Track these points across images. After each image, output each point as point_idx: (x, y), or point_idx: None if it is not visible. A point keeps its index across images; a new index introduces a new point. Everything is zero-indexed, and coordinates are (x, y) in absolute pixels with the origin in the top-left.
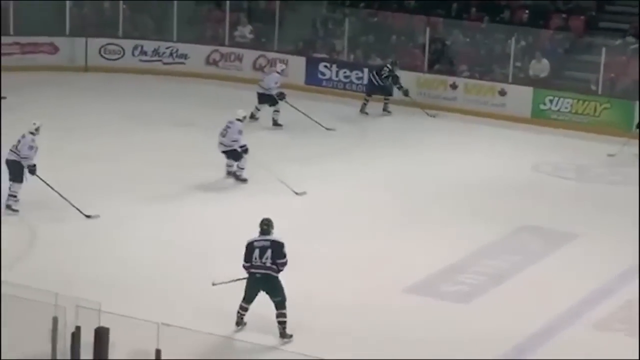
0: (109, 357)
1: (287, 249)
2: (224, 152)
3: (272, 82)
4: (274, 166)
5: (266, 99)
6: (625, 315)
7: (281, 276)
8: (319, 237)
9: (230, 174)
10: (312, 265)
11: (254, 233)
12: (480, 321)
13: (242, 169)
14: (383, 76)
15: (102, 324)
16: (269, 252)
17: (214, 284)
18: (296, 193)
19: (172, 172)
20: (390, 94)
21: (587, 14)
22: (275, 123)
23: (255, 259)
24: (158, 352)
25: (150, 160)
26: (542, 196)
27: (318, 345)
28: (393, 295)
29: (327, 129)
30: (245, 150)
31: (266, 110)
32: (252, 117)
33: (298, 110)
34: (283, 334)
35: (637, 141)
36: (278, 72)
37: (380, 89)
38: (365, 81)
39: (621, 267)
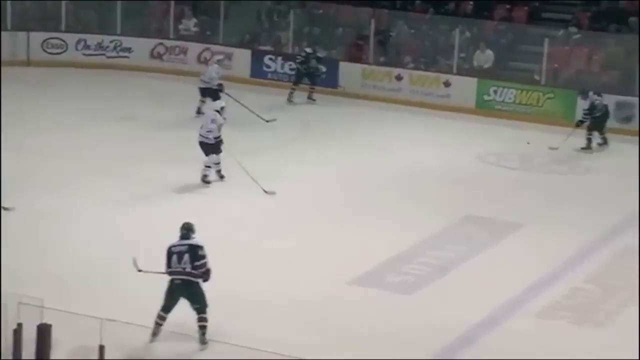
0: (52, 354)
1: (207, 250)
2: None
3: (213, 73)
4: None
5: (208, 92)
6: (569, 303)
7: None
8: (263, 231)
9: (205, 177)
10: (255, 258)
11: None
12: (426, 312)
13: (209, 167)
14: (297, 61)
15: (45, 321)
16: (186, 257)
17: (139, 270)
18: (265, 192)
19: (117, 166)
20: (315, 83)
21: (530, 4)
22: None
23: (174, 264)
24: (102, 348)
25: (95, 155)
26: (486, 186)
27: (263, 337)
28: (338, 287)
29: (267, 121)
30: (219, 142)
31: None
32: (199, 112)
33: (239, 102)
34: (202, 340)
35: (581, 131)
36: (216, 64)
37: (305, 76)
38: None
39: (565, 255)
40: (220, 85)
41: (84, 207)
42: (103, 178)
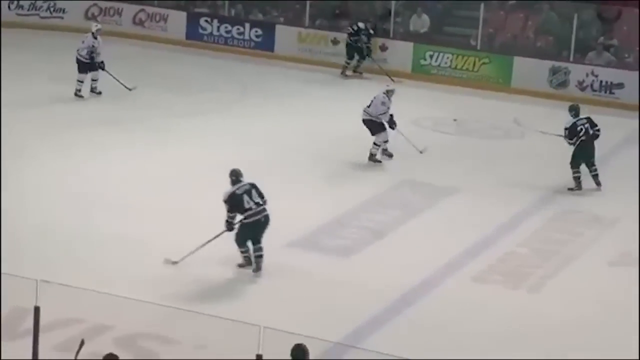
0: None
1: None
2: (364, 120)
3: (84, 44)
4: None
5: (84, 66)
6: (503, 267)
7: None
8: (197, 195)
9: (376, 154)
10: (192, 222)
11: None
12: (362, 275)
13: (378, 145)
14: (348, 34)
15: None
16: (254, 192)
17: (174, 262)
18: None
19: (52, 128)
20: (363, 58)
21: None
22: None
23: (249, 203)
24: (37, 309)
25: (30, 117)
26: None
27: (199, 300)
28: (274, 251)
29: (129, 89)
30: (392, 122)
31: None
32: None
33: (113, 76)
34: (259, 267)
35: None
36: (93, 33)
37: (355, 50)
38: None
39: (500, 220)
40: (102, 62)
41: (23, 169)
42: (37, 140)
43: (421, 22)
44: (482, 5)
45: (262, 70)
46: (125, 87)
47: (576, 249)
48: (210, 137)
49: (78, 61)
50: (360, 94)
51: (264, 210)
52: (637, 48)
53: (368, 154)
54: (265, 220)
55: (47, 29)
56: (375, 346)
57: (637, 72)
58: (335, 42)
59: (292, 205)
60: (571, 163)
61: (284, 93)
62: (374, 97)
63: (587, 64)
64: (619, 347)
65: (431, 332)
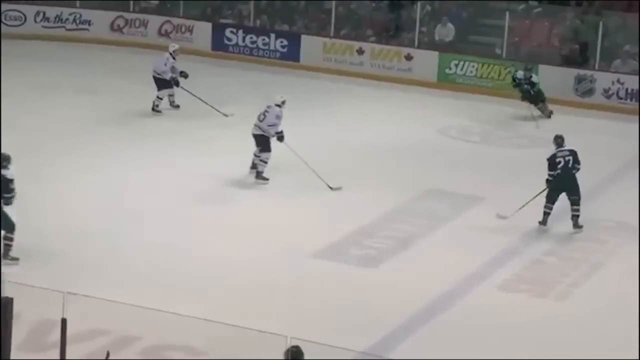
0: (14, 328)
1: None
2: (255, 135)
3: (162, 64)
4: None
5: (161, 83)
6: (530, 276)
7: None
8: (225, 205)
9: (254, 167)
10: (224, 232)
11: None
12: (388, 285)
13: (265, 162)
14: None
15: (6, 294)
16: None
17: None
18: (331, 188)
19: (81, 138)
20: (536, 102)
21: None
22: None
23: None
24: (64, 321)
25: (54, 128)
26: (448, 160)
27: (230, 311)
28: (302, 261)
29: (225, 115)
30: (281, 137)
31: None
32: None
33: (195, 96)
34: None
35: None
36: (171, 53)
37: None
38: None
39: (525, 229)
40: (177, 80)
41: (46, 179)
42: (64, 149)
43: (446, 31)
44: (507, 14)
45: (288, 80)
46: (221, 112)
47: (602, 257)
48: (237, 148)
49: (157, 80)
50: (387, 105)
51: None
52: None
53: (255, 173)
54: None
55: (73, 41)
56: (403, 355)
57: None
58: (360, 51)
59: (318, 216)
60: (546, 196)
61: (306, 105)
62: (268, 109)
63: (612, 72)
64: None
65: (458, 342)
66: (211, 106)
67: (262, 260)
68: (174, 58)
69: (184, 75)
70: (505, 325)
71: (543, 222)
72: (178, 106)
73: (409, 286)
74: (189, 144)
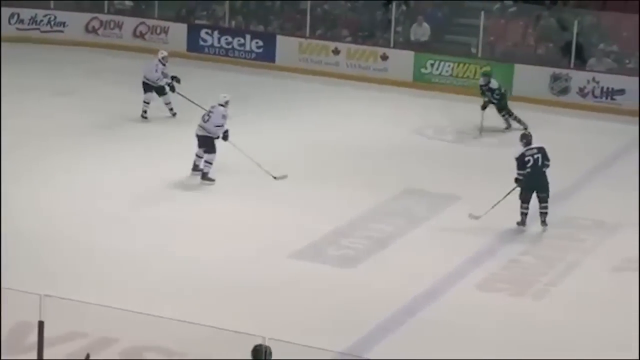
0: None
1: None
2: (199, 136)
3: (153, 70)
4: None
5: (149, 88)
6: (507, 275)
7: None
8: (198, 204)
9: (197, 169)
10: (201, 233)
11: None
12: (366, 285)
13: (210, 164)
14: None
15: None
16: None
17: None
18: (275, 177)
19: (59, 140)
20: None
21: None
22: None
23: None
24: (41, 324)
25: (31, 130)
26: (424, 159)
27: (207, 311)
28: (278, 261)
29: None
30: (225, 136)
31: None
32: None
33: (191, 101)
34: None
35: (517, 104)
36: (160, 60)
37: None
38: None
39: (502, 228)
40: (169, 84)
41: (21, 181)
42: (42, 151)
43: (422, 30)
44: (482, 14)
45: (264, 81)
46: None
47: (579, 255)
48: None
49: (146, 85)
50: (363, 105)
51: None
52: (638, 54)
53: (200, 174)
54: None
55: (48, 43)
56: (381, 355)
57: (638, 78)
58: (336, 51)
59: (294, 216)
60: (519, 196)
61: (283, 105)
62: (212, 109)
63: (588, 71)
64: (622, 351)
65: (437, 341)
66: (202, 108)
67: (239, 260)
68: (163, 64)
69: (177, 79)
70: (484, 325)
71: (522, 223)
72: (175, 114)
73: (387, 286)
74: (167, 146)
